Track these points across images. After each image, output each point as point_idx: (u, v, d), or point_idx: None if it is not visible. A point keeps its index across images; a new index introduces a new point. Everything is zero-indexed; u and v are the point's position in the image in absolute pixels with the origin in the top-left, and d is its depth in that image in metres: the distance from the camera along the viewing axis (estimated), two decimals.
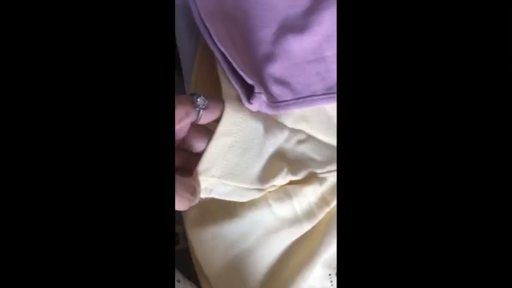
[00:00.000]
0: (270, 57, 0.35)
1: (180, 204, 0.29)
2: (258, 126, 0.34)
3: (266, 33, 0.36)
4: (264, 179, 0.35)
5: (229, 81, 0.34)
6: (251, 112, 0.33)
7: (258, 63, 0.36)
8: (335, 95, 0.35)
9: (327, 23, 0.35)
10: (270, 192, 0.37)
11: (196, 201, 0.31)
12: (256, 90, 0.32)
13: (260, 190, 0.35)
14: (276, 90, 0.35)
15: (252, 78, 0.33)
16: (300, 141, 0.37)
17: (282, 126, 0.36)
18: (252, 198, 0.35)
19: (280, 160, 0.37)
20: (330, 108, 0.37)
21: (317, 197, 0.37)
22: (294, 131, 0.37)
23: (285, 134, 0.36)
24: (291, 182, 0.37)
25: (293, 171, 0.36)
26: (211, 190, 0.33)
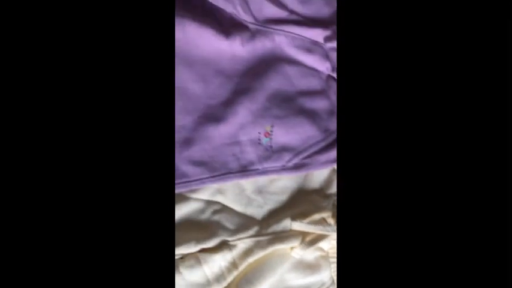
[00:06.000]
0: (189, 142, 0.40)
1: None
2: None
3: (188, 120, 0.40)
4: None
5: None
6: None
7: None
8: (248, 172, 0.40)
9: (241, 114, 0.40)
10: (181, 259, 0.40)
11: None
12: None
13: None
14: (191, 170, 0.40)
15: None
16: (215, 211, 0.41)
17: (189, 199, 0.41)
18: None
19: (191, 230, 0.40)
20: (244, 181, 0.41)
21: (227, 261, 0.40)
22: (210, 202, 0.41)
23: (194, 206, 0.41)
24: (203, 250, 0.40)
25: (203, 241, 0.40)
26: None
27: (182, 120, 0.40)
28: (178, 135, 0.40)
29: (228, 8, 0.40)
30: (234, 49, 0.39)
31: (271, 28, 0.39)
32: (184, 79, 0.39)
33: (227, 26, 0.40)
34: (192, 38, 0.39)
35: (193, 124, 0.40)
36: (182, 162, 0.39)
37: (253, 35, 0.39)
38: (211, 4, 0.40)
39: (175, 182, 0.40)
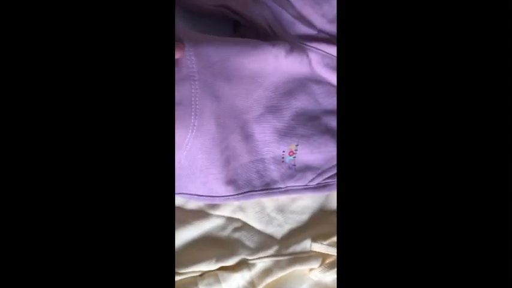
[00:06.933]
0: (228, 161, 0.39)
1: None
2: None
3: (232, 139, 0.39)
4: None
5: None
6: None
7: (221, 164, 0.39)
8: (271, 190, 0.40)
9: (268, 132, 0.39)
10: (200, 276, 0.39)
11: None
12: None
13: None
14: (221, 189, 0.39)
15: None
16: (236, 229, 0.41)
17: (210, 215, 0.40)
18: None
19: (212, 246, 0.39)
20: (265, 199, 0.41)
21: (246, 280, 0.39)
22: (231, 219, 0.41)
23: (215, 222, 0.40)
24: (222, 268, 0.39)
25: (223, 259, 0.39)
26: None
27: (228, 139, 0.38)
28: (222, 156, 0.38)
29: (263, 25, 0.40)
30: (278, 60, 0.38)
31: (305, 44, 0.39)
32: (232, 94, 0.38)
33: (270, 38, 0.39)
34: (241, 50, 0.37)
35: (235, 142, 0.39)
36: (217, 182, 0.39)
37: (292, 48, 0.38)
38: (250, 20, 0.40)
39: (202, 198, 0.39)
